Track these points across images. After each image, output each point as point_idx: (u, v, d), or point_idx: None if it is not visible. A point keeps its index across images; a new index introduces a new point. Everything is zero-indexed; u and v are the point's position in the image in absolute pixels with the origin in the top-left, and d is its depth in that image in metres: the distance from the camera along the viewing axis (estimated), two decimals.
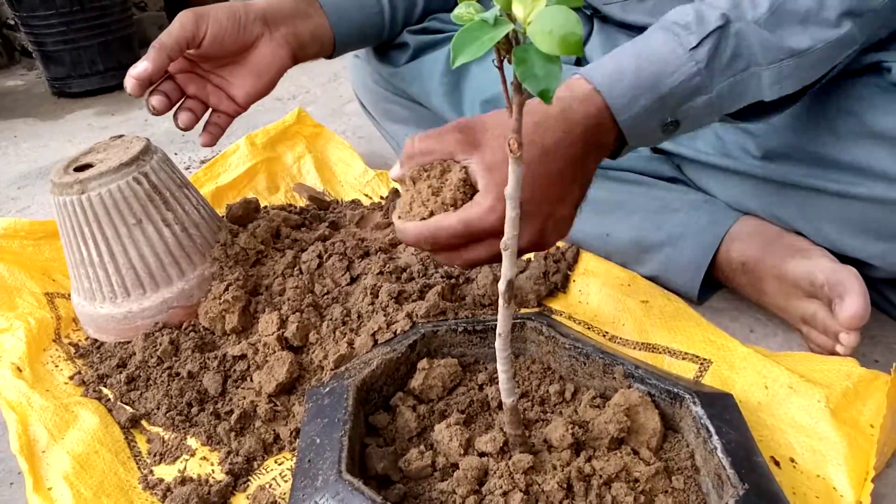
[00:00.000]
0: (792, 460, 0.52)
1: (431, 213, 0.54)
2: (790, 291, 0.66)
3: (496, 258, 0.52)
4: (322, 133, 1.05)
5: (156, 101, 0.71)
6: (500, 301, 0.45)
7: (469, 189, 0.54)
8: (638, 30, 0.62)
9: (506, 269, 0.44)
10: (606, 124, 0.55)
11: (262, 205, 0.93)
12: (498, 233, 0.49)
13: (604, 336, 0.67)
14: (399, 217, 0.57)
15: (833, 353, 0.62)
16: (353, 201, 0.93)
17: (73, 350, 0.72)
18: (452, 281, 0.75)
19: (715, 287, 0.75)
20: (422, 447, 0.54)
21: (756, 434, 0.51)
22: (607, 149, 0.57)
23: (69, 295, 0.76)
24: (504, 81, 0.37)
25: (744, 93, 0.55)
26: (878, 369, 0.58)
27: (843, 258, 0.64)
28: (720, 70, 0.54)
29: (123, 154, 0.70)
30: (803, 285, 0.64)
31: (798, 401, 0.55)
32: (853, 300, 0.59)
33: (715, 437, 0.48)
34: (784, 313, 0.68)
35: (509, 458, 0.50)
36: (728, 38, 0.54)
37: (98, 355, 0.70)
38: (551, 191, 0.54)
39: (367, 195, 0.96)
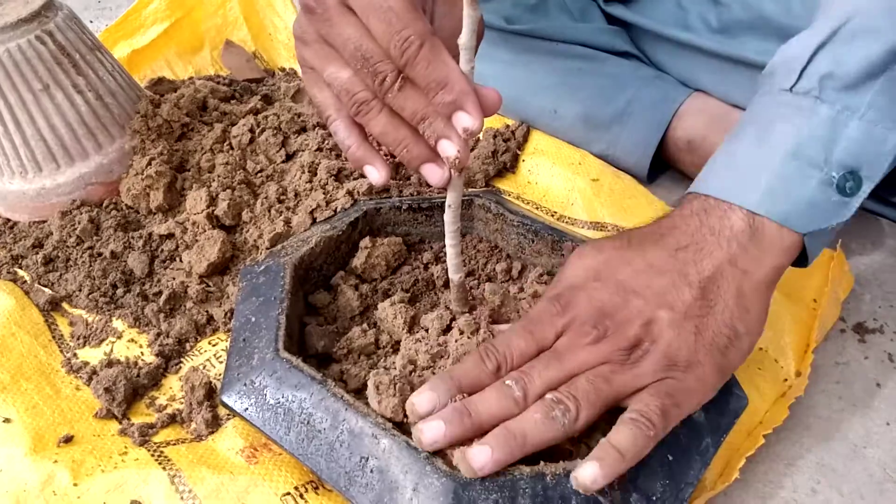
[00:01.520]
0: None
1: None
2: None
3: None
4: None
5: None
6: (452, 170, 0.42)
7: None
8: None
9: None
10: (744, 226, 0.41)
11: (186, 72, 0.86)
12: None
13: (553, 216, 0.65)
14: None
15: None
16: (287, 72, 0.86)
17: None
18: (396, 159, 0.71)
19: (666, 167, 0.73)
20: (364, 325, 0.52)
21: None
22: (773, 249, 0.41)
23: None
24: None
25: None
26: None
27: None
28: (852, 82, 0.40)
29: (22, 9, 0.61)
30: None
31: None
32: None
33: None
34: None
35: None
36: (843, 44, 0.41)
37: (11, 235, 0.65)
38: (628, 272, 0.42)
39: None
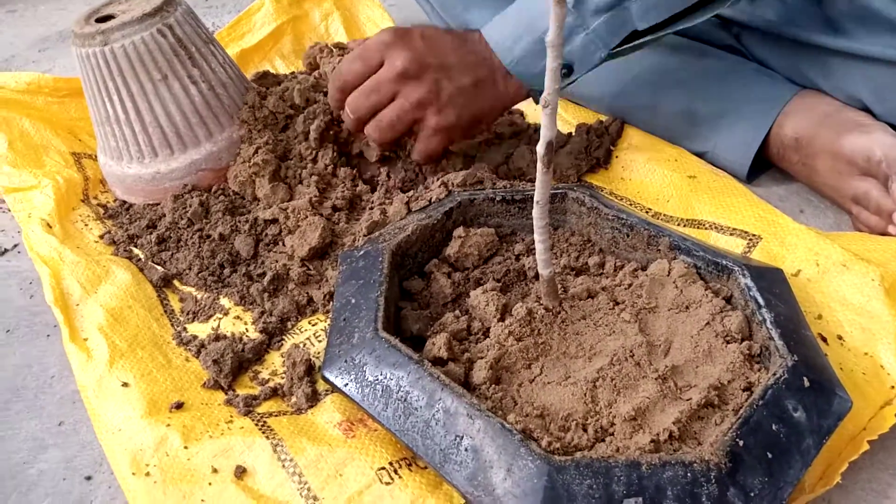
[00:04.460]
0: (840, 338, 0.51)
1: None
2: (844, 169, 0.62)
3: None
4: None
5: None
6: (539, 165, 0.43)
7: None
8: None
9: (545, 130, 0.41)
10: (500, 67, 0.62)
11: (288, 70, 0.89)
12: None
13: (647, 212, 0.65)
14: None
15: (885, 234, 0.59)
16: None
17: (101, 211, 0.71)
18: None
19: (765, 167, 0.71)
20: (457, 312, 0.53)
21: (804, 311, 0.50)
22: (509, 89, 0.63)
23: (96, 156, 0.74)
24: None
25: (620, 26, 0.59)
26: None
27: None
28: (592, 10, 0.58)
29: (146, 4, 0.66)
30: (859, 162, 0.60)
31: (850, 279, 0.53)
32: None
33: (764, 309, 0.46)
34: (835, 193, 0.65)
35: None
36: None
37: (127, 216, 0.69)
38: (439, 48, 0.62)
39: None
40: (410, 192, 0.63)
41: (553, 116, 0.41)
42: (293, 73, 0.87)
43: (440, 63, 0.61)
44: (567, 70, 0.61)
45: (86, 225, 0.69)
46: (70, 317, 0.56)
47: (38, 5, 1.40)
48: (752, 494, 0.38)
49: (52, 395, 0.55)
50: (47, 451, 0.50)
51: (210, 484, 0.44)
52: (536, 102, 0.64)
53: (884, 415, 0.46)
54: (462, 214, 0.60)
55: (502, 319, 0.51)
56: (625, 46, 0.62)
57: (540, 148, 0.42)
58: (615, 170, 0.70)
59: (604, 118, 0.75)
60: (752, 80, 0.68)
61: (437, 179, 0.64)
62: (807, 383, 0.42)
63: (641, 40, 0.61)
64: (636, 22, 0.59)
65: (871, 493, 0.45)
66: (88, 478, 0.48)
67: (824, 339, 0.50)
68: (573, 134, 0.74)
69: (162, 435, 0.47)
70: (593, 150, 0.72)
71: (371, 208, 0.64)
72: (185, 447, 0.46)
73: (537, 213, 0.45)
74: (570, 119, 0.78)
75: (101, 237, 0.67)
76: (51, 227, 0.65)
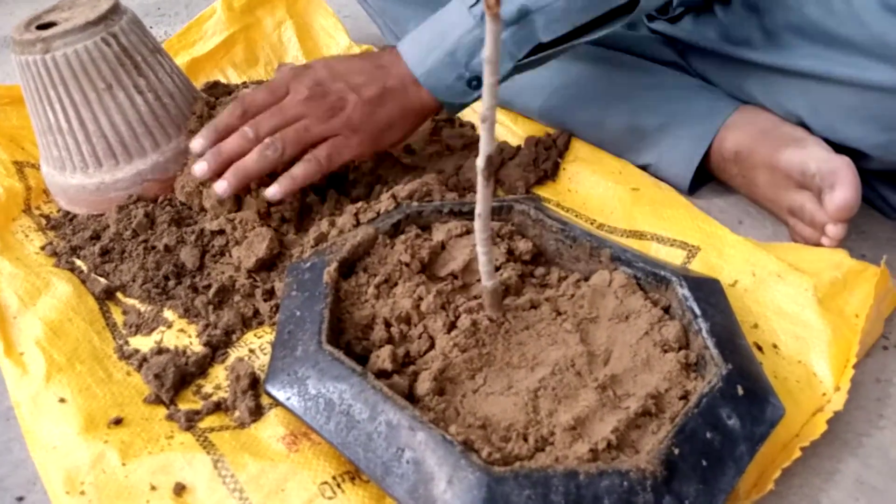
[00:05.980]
0: (775, 346, 0.52)
1: None
2: (780, 182, 0.64)
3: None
4: None
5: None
6: (479, 179, 0.43)
7: None
8: None
9: (484, 144, 0.41)
10: (411, 77, 0.64)
11: (240, 80, 0.89)
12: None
13: (592, 224, 0.66)
14: None
15: (818, 245, 0.61)
16: None
17: (44, 221, 0.69)
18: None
19: (706, 179, 0.73)
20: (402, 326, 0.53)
21: (740, 320, 0.51)
22: (421, 99, 0.64)
23: (39, 165, 0.73)
24: None
25: (525, 39, 0.61)
26: None
27: (841, 150, 0.62)
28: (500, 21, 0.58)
29: (90, 12, 0.65)
30: (794, 175, 0.63)
31: (785, 289, 0.54)
32: (844, 190, 0.58)
33: (700, 319, 0.48)
34: (773, 205, 0.67)
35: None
36: None
37: (70, 227, 0.68)
38: (344, 70, 0.64)
39: None
40: (359, 204, 0.63)
41: (491, 131, 0.41)
42: (244, 82, 0.86)
43: (346, 82, 0.62)
44: (477, 82, 0.62)
45: (26, 236, 0.67)
46: (6, 330, 0.55)
47: None
48: (686, 502, 0.39)
49: None
50: None
51: (148, 501, 0.44)
52: (449, 114, 0.69)
53: (815, 421, 0.48)
54: (410, 226, 0.60)
55: (449, 332, 0.51)
56: (531, 59, 0.63)
57: (480, 162, 0.42)
58: (562, 182, 0.71)
59: (552, 131, 0.76)
60: (694, 96, 0.70)
61: (387, 191, 0.64)
62: (741, 391, 0.44)
63: (546, 53, 0.63)
64: (540, 35, 0.60)
65: (803, 499, 0.46)
66: (20, 499, 0.47)
67: (760, 348, 0.52)
68: (522, 146, 0.75)
69: (99, 452, 0.46)
70: (541, 162, 0.72)
71: (319, 219, 0.63)
72: (123, 464, 0.45)
73: (479, 226, 0.45)
74: (519, 132, 0.79)
75: (43, 248, 0.65)
76: None
